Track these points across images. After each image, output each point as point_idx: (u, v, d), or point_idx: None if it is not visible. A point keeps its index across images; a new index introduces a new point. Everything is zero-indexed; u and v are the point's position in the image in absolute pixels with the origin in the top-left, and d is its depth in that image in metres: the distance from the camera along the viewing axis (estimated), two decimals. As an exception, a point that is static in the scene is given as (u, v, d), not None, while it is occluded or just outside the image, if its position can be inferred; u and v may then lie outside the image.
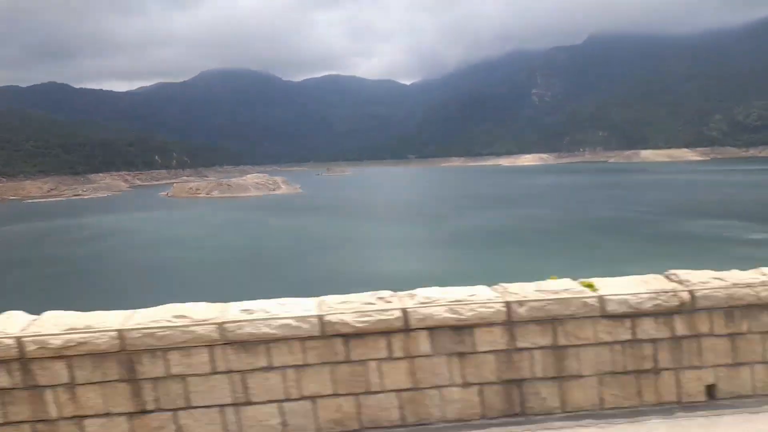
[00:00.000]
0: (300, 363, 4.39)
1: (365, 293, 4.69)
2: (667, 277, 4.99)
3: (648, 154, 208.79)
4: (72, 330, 4.08)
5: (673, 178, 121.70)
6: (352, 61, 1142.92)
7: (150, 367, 4.22)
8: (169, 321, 4.22)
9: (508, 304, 4.55)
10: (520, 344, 4.60)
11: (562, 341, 4.64)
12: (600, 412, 4.65)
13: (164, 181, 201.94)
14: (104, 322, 4.21)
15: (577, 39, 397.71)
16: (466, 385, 4.55)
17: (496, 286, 4.88)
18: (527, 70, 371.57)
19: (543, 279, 4.97)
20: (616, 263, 36.14)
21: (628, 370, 4.70)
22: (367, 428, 4.49)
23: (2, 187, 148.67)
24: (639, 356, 4.71)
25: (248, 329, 4.27)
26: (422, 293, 4.67)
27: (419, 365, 4.52)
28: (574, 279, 5.00)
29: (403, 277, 36.08)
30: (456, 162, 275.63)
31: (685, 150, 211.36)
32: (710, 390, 4.82)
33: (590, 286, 4.81)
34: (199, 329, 4.17)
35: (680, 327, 4.73)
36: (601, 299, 4.63)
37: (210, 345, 4.23)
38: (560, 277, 4.97)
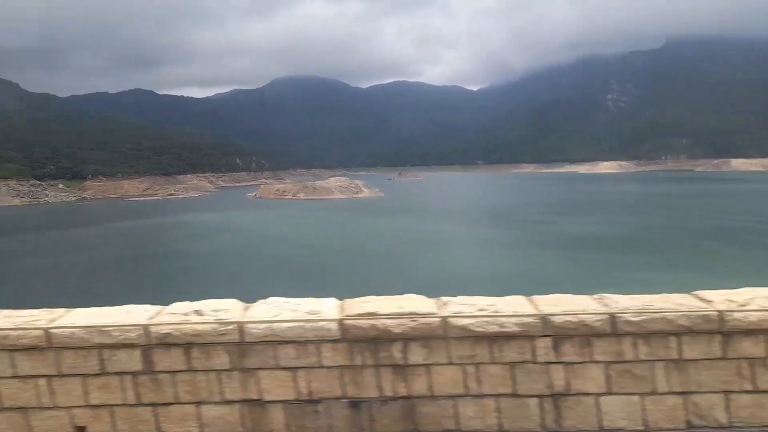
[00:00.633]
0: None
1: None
2: None
3: (739, 164, 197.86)
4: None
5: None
6: (419, 67, 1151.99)
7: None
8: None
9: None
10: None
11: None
12: None
13: (245, 183, 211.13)
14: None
15: (655, 43, 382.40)
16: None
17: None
18: (600, 75, 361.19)
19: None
20: (741, 274, 35.42)
21: None
22: None
23: (103, 186, 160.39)
24: None
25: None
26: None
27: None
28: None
29: (527, 277, 36.96)
30: (527, 168, 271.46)
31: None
32: None
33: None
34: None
35: None
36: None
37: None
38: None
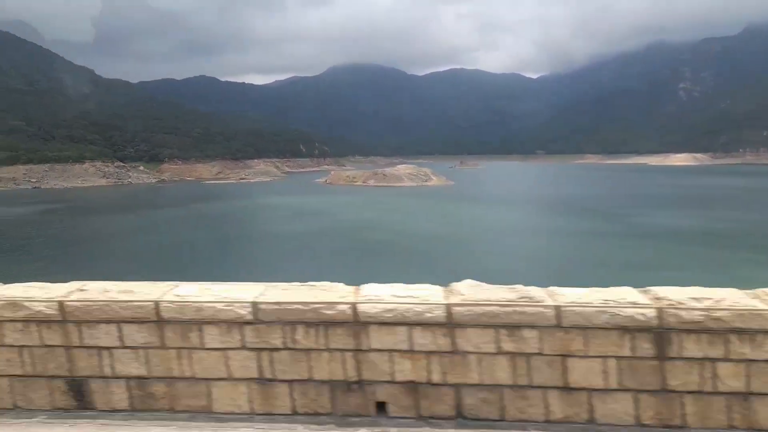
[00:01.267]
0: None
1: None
2: None
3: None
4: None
5: None
6: (477, 54, 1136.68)
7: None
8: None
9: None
10: None
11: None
12: None
13: (308, 169, 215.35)
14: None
15: (730, 30, 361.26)
16: None
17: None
18: (671, 63, 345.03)
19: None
20: None
21: None
22: None
23: (179, 169, 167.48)
24: None
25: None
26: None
27: None
28: None
29: (643, 266, 36.27)
30: (591, 159, 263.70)
31: None
32: None
33: None
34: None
35: None
36: None
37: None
38: None
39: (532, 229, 59.86)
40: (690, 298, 3.81)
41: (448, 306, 3.95)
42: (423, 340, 3.98)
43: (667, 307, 3.79)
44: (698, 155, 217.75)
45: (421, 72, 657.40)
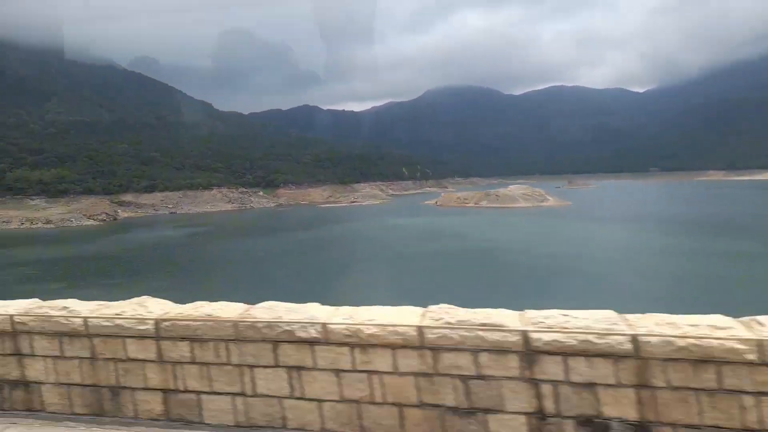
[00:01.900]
0: None
1: None
2: None
3: None
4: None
5: None
6: (577, 71, 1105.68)
7: None
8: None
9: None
10: None
11: None
12: None
13: (411, 191, 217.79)
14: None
15: None
16: None
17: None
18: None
19: None
20: None
21: None
22: None
23: (294, 194, 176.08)
24: None
25: None
26: None
27: None
28: None
29: None
30: (715, 175, 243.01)
31: None
32: None
33: None
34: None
35: None
36: None
37: None
38: None
39: (693, 251, 55.56)
40: None
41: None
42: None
43: None
44: None
45: (519, 91, 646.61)
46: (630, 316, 3.95)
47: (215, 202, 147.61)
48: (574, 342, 3.73)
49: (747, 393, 3.49)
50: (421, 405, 4.03)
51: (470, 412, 3.94)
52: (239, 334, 4.36)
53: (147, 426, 4.62)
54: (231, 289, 37.98)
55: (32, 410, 4.92)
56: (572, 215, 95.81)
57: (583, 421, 3.76)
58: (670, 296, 35.27)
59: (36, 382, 4.91)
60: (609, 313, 3.99)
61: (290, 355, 4.25)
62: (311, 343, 4.20)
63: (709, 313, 3.90)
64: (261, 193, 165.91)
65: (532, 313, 4.07)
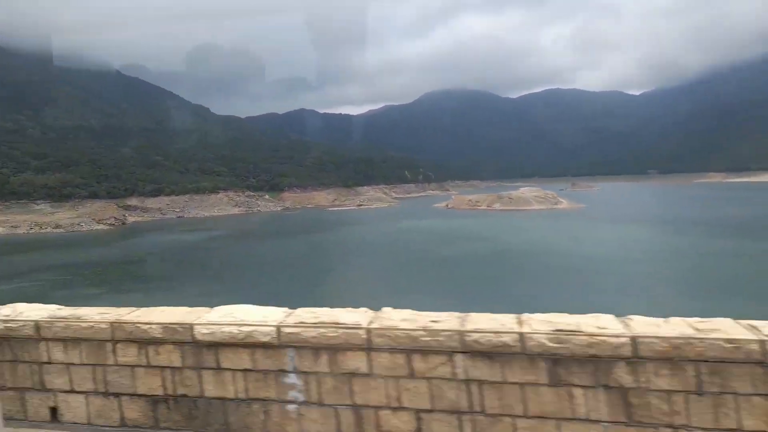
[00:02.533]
0: None
1: None
2: None
3: None
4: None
5: None
6: (573, 74, 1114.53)
7: None
8: None
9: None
10: None
11: None
12: None
13: (414, 194, 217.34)
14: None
15: None
16: None
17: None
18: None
19: None
20: None
21: None
22: None
23: (299, 197, 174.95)
24: None
25: None
26: None
27: None
28: None
29: None
30: (715, 177, 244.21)
31: None
32: None
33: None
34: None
35: None
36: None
37: None
38: None
39: (707, 251, 55.10)
40: None
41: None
42: None
43: None
44: None
45: (516, 94, 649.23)
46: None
47: (222, 205, 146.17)
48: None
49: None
50: None
51: None
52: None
53: None
54: (290, 292, 36.99)
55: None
56: (590, 217, 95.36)
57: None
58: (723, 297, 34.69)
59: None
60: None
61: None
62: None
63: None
64: (267, 196, 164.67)
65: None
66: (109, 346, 4.65)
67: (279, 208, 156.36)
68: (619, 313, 4.17)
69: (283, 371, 4.33)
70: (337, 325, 4.19)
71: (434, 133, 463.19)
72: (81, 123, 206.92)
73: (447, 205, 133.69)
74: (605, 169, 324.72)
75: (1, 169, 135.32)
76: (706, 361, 3.56)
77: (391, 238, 76.07)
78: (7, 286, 50.01)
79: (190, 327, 4.45)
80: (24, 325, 4.81)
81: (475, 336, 3.88)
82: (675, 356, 3.60)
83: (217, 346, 4.40)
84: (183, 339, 4.47)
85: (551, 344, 3.76)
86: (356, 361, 4.14)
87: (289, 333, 4.26)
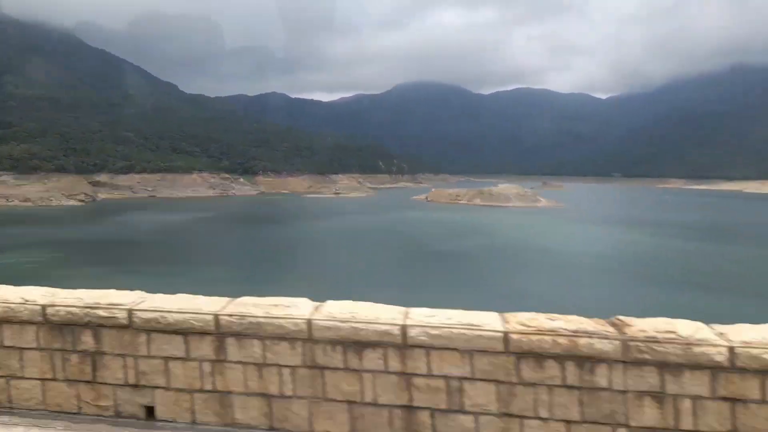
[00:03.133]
0: None
1: None
2: None
3: None
4: None
5: None
6: (544, 75, 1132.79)
7: None
8: None
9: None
10: None
11: None
12: None
13: (388, 185, 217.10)
14: None
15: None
16: None
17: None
18: (760, 84, 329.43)
19: None
20: None
21: None
22: None
23: (273, 182, 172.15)
24: None
25: None
26: None
27: None
28: None
29: None
30: (676, 183, 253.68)
31: None
32: None
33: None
34: None
35: None
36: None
37: None
38: None
39: (722, 256, 57.17)
40: None
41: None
42: None
43: None
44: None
45: (487, 91, 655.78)
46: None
47: (196, 186, 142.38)
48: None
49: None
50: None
51: None
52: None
53: None
54: (312, 282, 36.22)
55: None
56: (574, 217, 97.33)
57: None
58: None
59: None
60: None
61: None
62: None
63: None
64: (242, 180, 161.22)
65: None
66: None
67: (254, 192, 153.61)
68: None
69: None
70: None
71: (404, 125, 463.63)
72: (44, 93, 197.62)
73: (427, 198, 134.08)
74: (570, 170, 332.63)
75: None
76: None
77: (396, 229, 75.38)
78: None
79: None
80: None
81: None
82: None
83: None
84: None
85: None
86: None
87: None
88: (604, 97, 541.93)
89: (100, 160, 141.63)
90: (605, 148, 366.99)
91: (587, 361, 3.74)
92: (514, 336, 3.81)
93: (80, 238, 58.54)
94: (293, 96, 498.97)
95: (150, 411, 4.23)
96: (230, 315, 4.09)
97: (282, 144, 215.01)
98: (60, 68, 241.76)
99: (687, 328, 3.76)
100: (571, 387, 3.78)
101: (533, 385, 3.83)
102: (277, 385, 4.10)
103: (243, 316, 4.09)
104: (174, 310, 4.19)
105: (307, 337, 3.98)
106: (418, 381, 3.94)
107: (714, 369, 3.62)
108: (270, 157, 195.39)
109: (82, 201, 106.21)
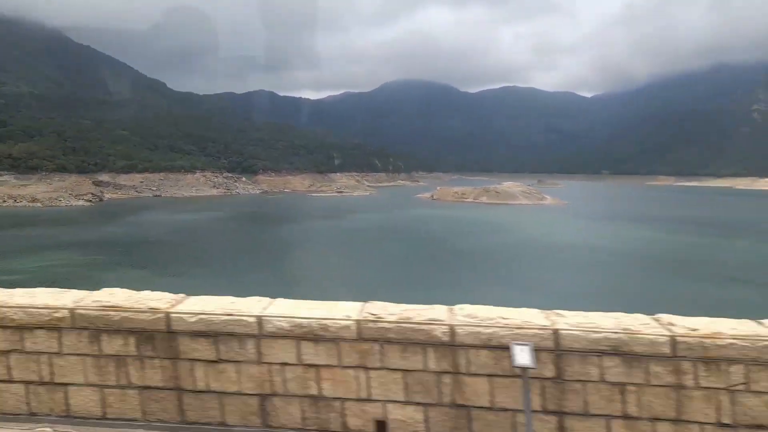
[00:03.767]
0: None
1: None
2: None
3: None
4: None
5: None
6: (530, 73, 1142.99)
7: None
8: None
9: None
10: None
11: None
12: None
13: (385, 183, 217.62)
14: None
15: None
16: None
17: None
18: (742, 84, 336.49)
19: None
20: None
21: None
22: None
23: (274, 181, 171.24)
24: None
25: None
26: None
27: None
28: None
29: None
30: (665, 181, 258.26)
31: None
32: None
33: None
34: None
35: None
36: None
37: None
38: None
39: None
40: None
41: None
42: None
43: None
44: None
45: (474, 89, 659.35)
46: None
47: (199, 186, 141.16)
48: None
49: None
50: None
51: None
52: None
53: None
54: (368, 281, 36.54)
55: None
56: (583, 214, 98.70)
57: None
58: None
59: None
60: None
61: None
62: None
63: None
64: (244, 179, 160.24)
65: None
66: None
67: (258, 191, 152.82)
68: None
69: None
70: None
71: (393, 123, 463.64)
72: (32, 91, 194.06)
73: (432, 196, 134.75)
74: (560, 167, 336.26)
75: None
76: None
77: (418, 226, 75.55)
78: (32, 265, 46.83)
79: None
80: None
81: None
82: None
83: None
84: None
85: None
86: None
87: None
88: (589, 95, 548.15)
89: (100, 160, 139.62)
90: (592, 145, 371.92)
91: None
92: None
93: (105, 238, 57.92)
94: (282, 94, 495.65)
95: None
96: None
97: (278, 142, 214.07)
98: (47, 65, 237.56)
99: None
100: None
101: None
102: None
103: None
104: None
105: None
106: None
107: None
108: (269, 156, 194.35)
109: (90, 201, 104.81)
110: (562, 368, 3.98)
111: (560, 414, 4.04)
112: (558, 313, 4.22)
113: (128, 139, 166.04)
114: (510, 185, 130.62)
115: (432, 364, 4.10)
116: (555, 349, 3.98)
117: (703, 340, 3.84)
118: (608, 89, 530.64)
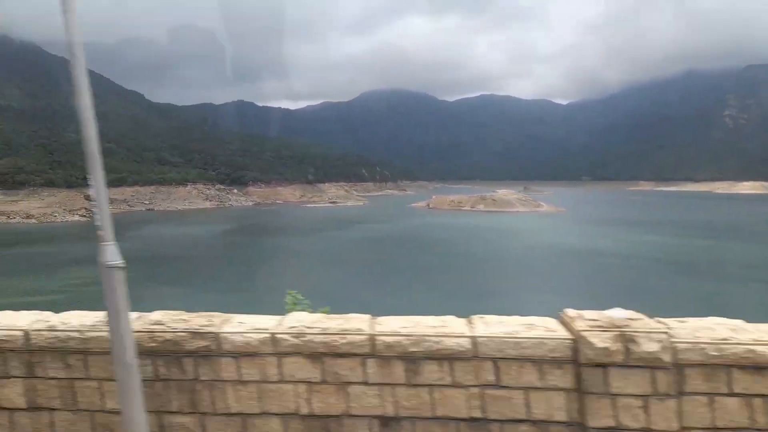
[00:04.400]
0: None
1: None
2: None
3: None
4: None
5: None
6: (506, 82, 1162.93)
7: None
8: None
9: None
10: None
11: None
12: None
13: (373, 193, 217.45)
14: None
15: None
16: None
17: None
18: (713, 90, 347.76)
19: None
20: None
21: None
22: None
23: (264, 192, 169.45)
24: None
25: None
26: None
27: None
28: None
29: None
30: (646, 185, 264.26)
31: None
32: None
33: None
34: None
35: None
36: None
37: None
38: None
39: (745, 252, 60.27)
40: None
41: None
42: None
43: None
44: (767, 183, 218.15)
45: (452, 98, 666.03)
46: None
47: (192, 198, 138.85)
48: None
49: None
50: None
51: None
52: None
53: None
54: (390, 292, 36.30)
55: None
56: (583, 219, 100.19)
57: None
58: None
59: None
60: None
61: None
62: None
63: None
64: (235, 190, 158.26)
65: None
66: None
67: (250, 203, 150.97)
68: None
69: None
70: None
71: (373, 133, 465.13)
72: (8, 104, 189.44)
73: (428, 205, 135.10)
74: (540, 174, 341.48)
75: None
76: None
77: (426, 234, 75.74)
78: (61, 283, 45.39)
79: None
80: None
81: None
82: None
83: None
84: None
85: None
86: None
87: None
88: (564, 102, 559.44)
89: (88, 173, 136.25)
90: (570, 152, 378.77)
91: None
92: None
93: (137, 255, 56.49)
94: (260, 104, 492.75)
95: None
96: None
97: (265, 152, 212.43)
98: (21, 78, 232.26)
99: None
100: None
101: None
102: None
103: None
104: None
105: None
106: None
107: None
108: (257, 167, 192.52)
109: (85, 216, 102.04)
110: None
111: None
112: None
113: (115, 152, 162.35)
114: (505, 193, 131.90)
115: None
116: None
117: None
118: (583, 96, 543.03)
